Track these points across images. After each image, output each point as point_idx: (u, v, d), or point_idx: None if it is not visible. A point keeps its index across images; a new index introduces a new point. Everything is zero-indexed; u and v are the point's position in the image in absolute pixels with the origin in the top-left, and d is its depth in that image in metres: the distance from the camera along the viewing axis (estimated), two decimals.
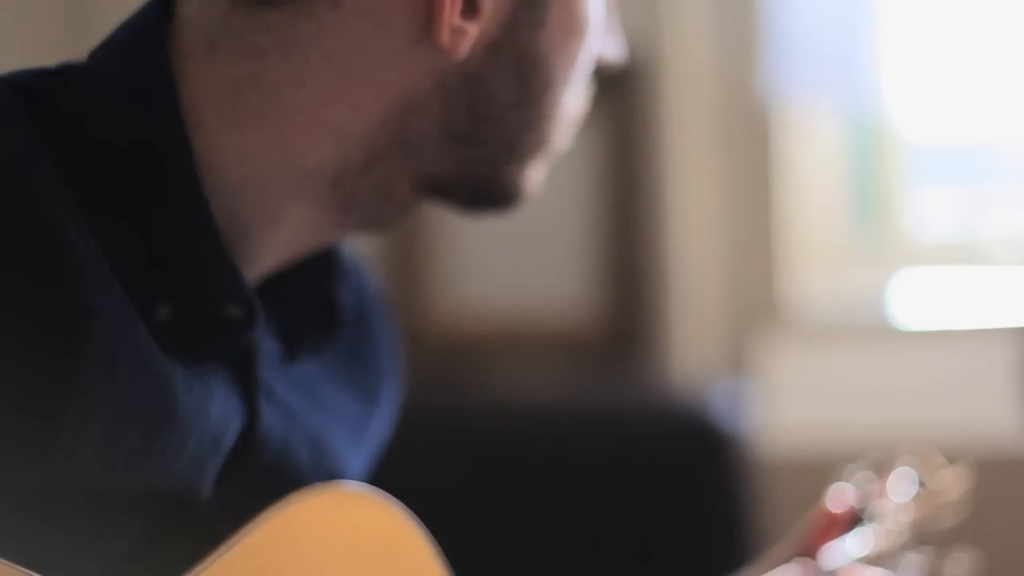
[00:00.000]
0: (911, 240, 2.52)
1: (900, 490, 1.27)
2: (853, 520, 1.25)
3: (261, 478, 0.88)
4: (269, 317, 0.92)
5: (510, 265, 2.44)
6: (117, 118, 0.83)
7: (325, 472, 0.93)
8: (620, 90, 2.39)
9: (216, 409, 0.84)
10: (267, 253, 0.89)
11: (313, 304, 0.97)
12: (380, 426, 1.05)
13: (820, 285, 2.46)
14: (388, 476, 2.10)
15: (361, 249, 2.40)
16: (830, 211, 2.51)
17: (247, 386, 0.88)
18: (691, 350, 2.37)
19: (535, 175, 0.96)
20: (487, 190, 0.94)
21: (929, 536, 1.28)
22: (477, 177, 0.93)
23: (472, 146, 0.90)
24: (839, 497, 1.20)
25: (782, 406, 2.32)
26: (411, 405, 2.24)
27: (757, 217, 2.40)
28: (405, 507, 0.91)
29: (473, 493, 2.15)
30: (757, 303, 2.40)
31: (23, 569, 0.73)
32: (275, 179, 0.86)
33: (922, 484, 1.28)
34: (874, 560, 1.22)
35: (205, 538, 0.83)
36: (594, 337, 2.40)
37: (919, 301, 2.45)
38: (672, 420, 2.17)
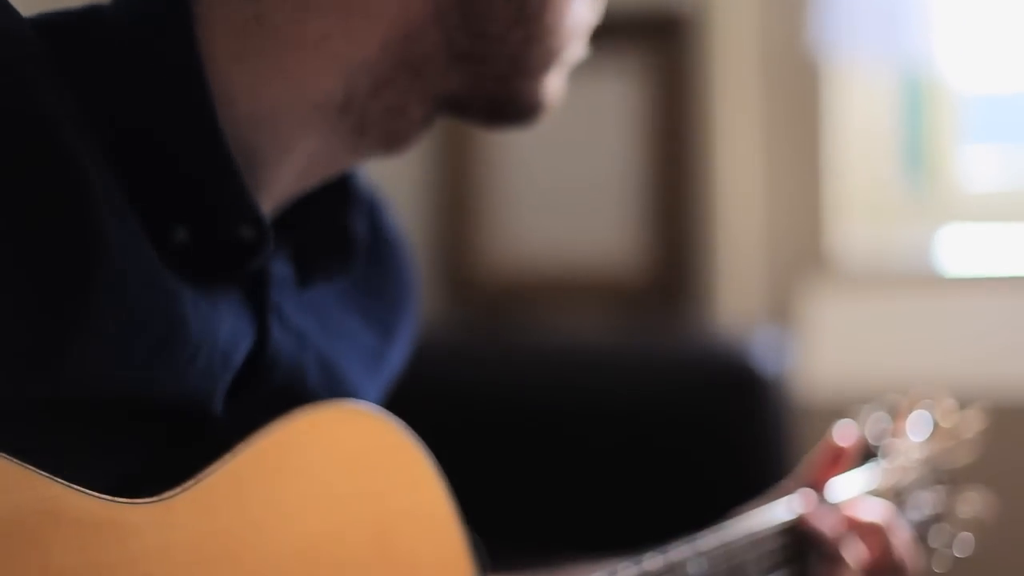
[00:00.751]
0: (959, 194, 2.52)
1: (914, 428, 1.29)
2: (864, 455, 1.27)
3: (272, 397, 0.92)
4: (283, 244, 0.96)
5: (557, 214, 2.46)
6: (136, 53, 0.88)
7: (336, 395, 0.97)
8: (668, 40, 2.40)
9: (225, 327, 0.88)
10: (284, 179, 0.93)
11: (327, 234, 1.01)
12: (395, 360, 1.09)
13: (866, 237, 2.47)
14: (431, 416, 2.16)
15: (412, 198, 2.45)
16: (878, 164, 2.51)
17: (258, 307, 0.92)
18: (736, 299, 2.39)
19: (552, 87, 0.99)
20: (503, 104, 0.98)
21: (946, 475, 1.30)
22: (490, 93, 0.96)
23: (477, 63, 0.94)
24: (846, 432, 1.22)
25: (824, 353, 2.33)
26: (458, 349, 2.29)
27: (804, 168, 2.41)
28: (409, 427, 0.94)
29: (516, 435, 2.19)
30: (802, 253, 2.41)
31: (43, 472, 0.77)
32: (286, 110, 0.90)
33: (936, 424, 1.30)
34: (881, 495, 1.24)
35: (218, 453, 0.87)
36: (640, 285, 2.42)
37: (965, 252, 2.45)
38: (713, 364, 2.19)
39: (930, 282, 2.42)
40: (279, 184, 0.94)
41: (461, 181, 2.47)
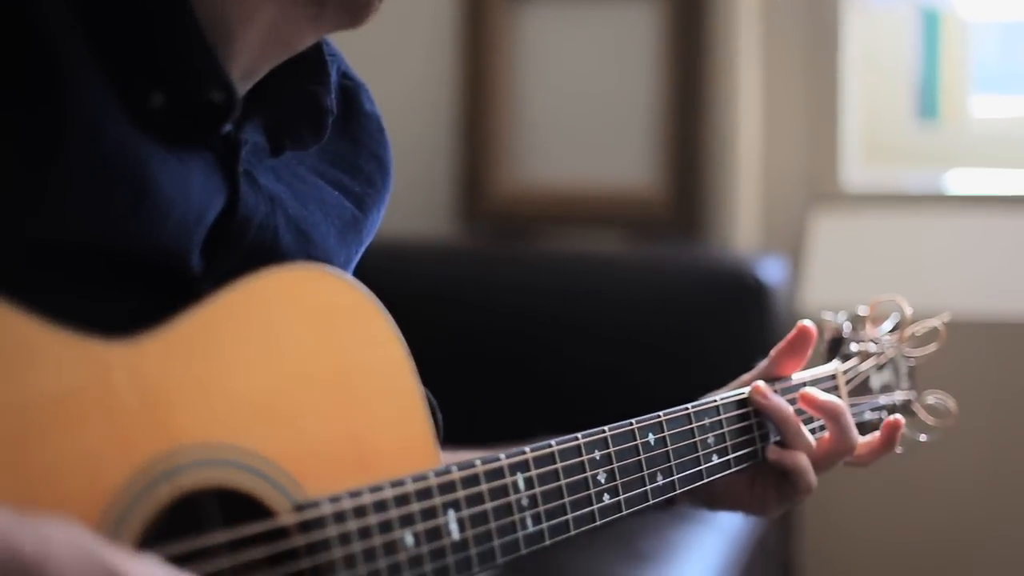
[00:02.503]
0: (973, 138, 2.54)
1: (877, 329, 1.34)
2: (830, 351, 1.32)
3: (247, 257, 0.99)
4: (257, 115, 1.03)
5: (573, 141, 2.50)
6: None
7: (308, 258, 1.04)
8: None
9: (196, 186, 0.95)
10: (249, 50, 1.00)
11: (299, 107, 1.08)
12: (366, 232, 1.15)
13: (878, 172, 2.50)
14: (448, 334, 2.22)
15: (431, 123, 2.49)
16: (894, 104, 2.54)
17: (230, 171, 0.99)
18: (748, 226, 2.42)
19: None
20: None
21: (909, 372, 1.35)
22: None
23: None
24: (810, 326, 1.26)
25: (831, 274, 2.37)
26: (473, 266, 2.35)
27: (819, 100, 2.44)
28: (373, 294, 1.00)
29: (536, 343, 2.26)
30: (815, 184, 2.45)
31: (21, 310, 0.83)
32: None
33: (898, 327, 1.34)
34: (844, 384, 1.29)
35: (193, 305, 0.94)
36: (655, 215, 2.45)
37: (973, 181, 2.48)
38: (721, 277, 2.26)
39: (936, 207, 2.45)
40: (245, 55, 1.00)
41: (479, 108, 2.51)
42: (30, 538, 0.77)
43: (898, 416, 1.26)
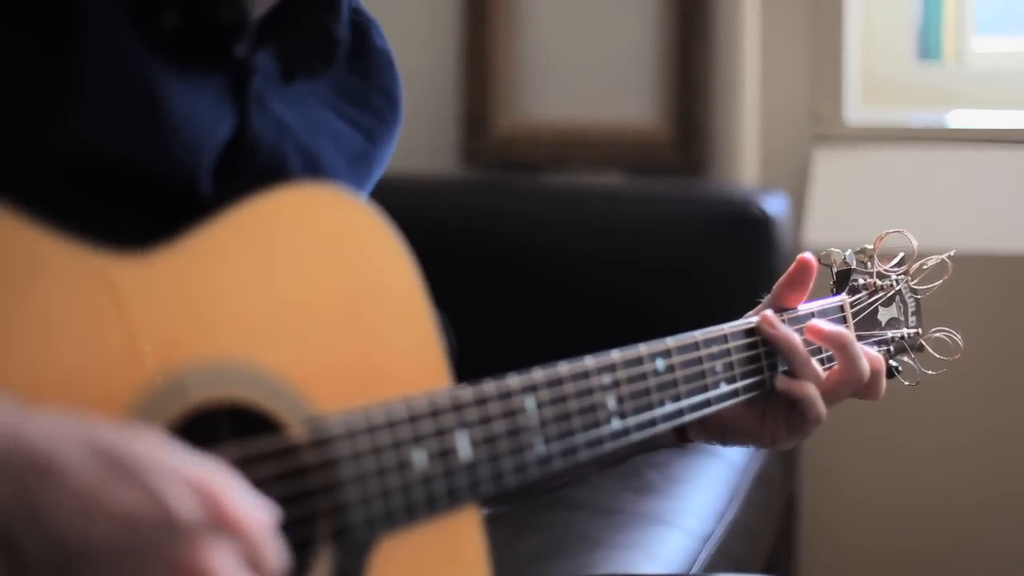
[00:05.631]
0: (974, 78, 2.53)
1: (886, 263, 1.34)
2: (838, 283, 1.32)
3: (256, 181, 0.99)
4: (270, 42, 1.03)
5: (576, 83, 2.50)
6: None
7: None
8: None
9: (206, 109, 0.95)
10: None
11: (312, 36, 1.07)
12: (376, 165, 1.15)
13: (880, 112, 2.50)
14: (453, 265, 2.23)
15: (432, 62, 2.49)
16: (895, 43, 2.53)
17: (240, 95, 0.98)
18: (751, 167, 2.42)
19: None
20: None
21: (914, 305, 1.35)
22: None
23: None
24: (813, 258, 1.25)
25: (834, 210, 2.37)
26: (475, 201, 2.36)
27: (822, 40, 2.43)
28: (386, 215, 1.00)
29: (542, 274, 2.26)
30: (816, 123, 2.44)
31: (30, 222, 0.83)
32: None
33: (903, 261, 1.34)
34: (850, 315, 1.29)
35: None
36: (657, 153, 2.45)
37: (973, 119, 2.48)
38: (727, 211, 2.26)
39: (935, 140, 2.44)
40: None
41: (482, 47, 2.50)
42: (37, 432, 0.76)
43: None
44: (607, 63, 2.47)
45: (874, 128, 2.45)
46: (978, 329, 2.16)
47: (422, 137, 2.52)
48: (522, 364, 1.05)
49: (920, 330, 1.35)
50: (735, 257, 2.21)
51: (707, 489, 1.94)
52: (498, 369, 1.03)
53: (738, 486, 2.00)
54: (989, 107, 2.49)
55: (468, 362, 1.08)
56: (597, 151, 2.47)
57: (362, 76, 1.14)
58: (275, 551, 0.81)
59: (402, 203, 2.32)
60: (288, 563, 0.84)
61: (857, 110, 2.47)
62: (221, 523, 0.78)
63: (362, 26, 1.15)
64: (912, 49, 2.54)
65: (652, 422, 1.09)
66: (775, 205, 2.27)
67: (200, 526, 0.77)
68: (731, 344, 1.17)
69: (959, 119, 2.48)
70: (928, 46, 2.57)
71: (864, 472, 2.38)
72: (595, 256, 2.25)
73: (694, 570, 1.73)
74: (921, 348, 1.34)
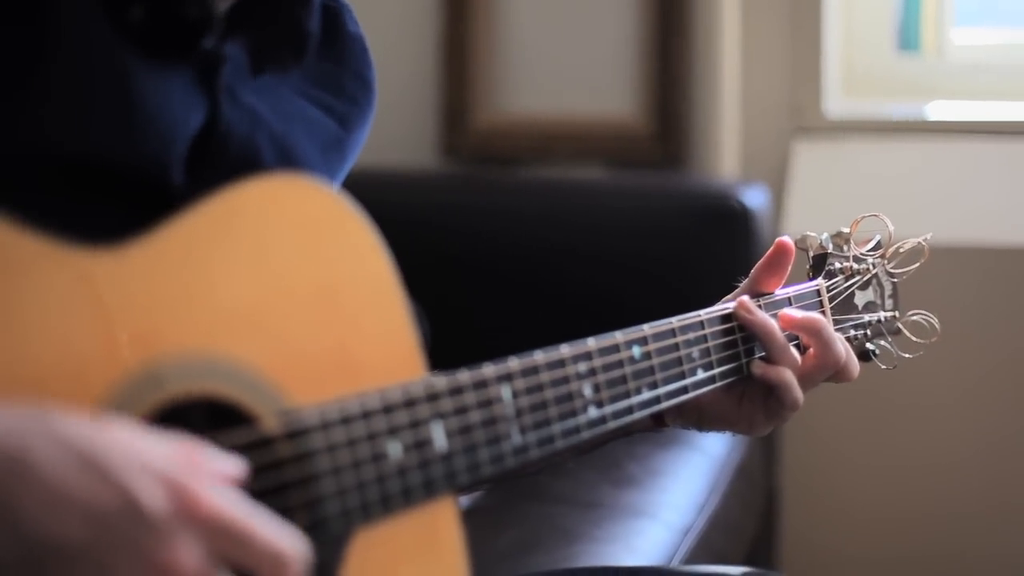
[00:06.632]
0: (954, 70, 2.54)
1: (860, 246, 1.34)
2: (814, 267, 1.32)
3: (228, 171, 0.98)
4: (240, 34, 1.03)
5: (555, 76, 2.49)
6: None
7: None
8: None
9: (177, 100, 0.95)
10: None
11: (282, 28, 1.07)
12: (350, 151, 1.14)
13: (859, 104, 2.50)
14: (432, 259, 2.22)
15: (412, 54, 2.49)
16: (875, 35, 2.53)
17: (210, 86, 0.98)
18: (730, 159, 2.42)
19: None
20: None
21: (891, 289, 1.35)
22: None
23: None
24: (790, 240, 1.26)
25: (814, 208, 2.37)
26: (455, 195, 2.36)
27: (802, 32, 2.43)
28: (359, 206, 0.99)
29: (521, 267, 2.26)
30: (796, 115, 2.45)
31: (21, 227, 0.82)
32: None
33: (880, 244, 1.34)
34: (826, 300, 1.29)
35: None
36: (637, 146, 2.44)
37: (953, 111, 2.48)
38: (707, 203, 2.26)
39: (915, 132, 2.44)
40: None
41: (461, 39, 2.50)
42: (5, 428, 0.76)
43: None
44: (587, 56, 2.47)
45: (854, 120, 2.46)
46: (958, 322, 2.17)
47: (401, 131, 2.51)
48: (498, 355, 1.05)
49: (897, 313, 1.34)
50: (715, 250, 2.21)
51: (687, 482, 1.94)
52: (472, 359, 1.03)
53: (718, 478, 2.00)
54: (969, 99, 2.50)
55: (447, 357, 1.07)
56: (577, 145, 2.47)
57: (335, 62, 1.14)
58: (247, 543, 0.81)
59: (381, 197, 2.33)
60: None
61: (837, 102, 2.47)
62: (190, 516, 0.78)
63: (334, 11, 1.15)
64: (892, 41, 2.55)
65: (629, 410, 1.09)
66: (755, 198, 2.27)
67: (169, 519, 0.77)
68: (708, 330, 1.17)
69: (939, 111, 2.48)
70: (908, 38, 2.57)
71: (844, 465, 2.38)
72: (575, 249, 2.25)
73: (674, 563, 1.73)
74: (898, 331, 1.34)
